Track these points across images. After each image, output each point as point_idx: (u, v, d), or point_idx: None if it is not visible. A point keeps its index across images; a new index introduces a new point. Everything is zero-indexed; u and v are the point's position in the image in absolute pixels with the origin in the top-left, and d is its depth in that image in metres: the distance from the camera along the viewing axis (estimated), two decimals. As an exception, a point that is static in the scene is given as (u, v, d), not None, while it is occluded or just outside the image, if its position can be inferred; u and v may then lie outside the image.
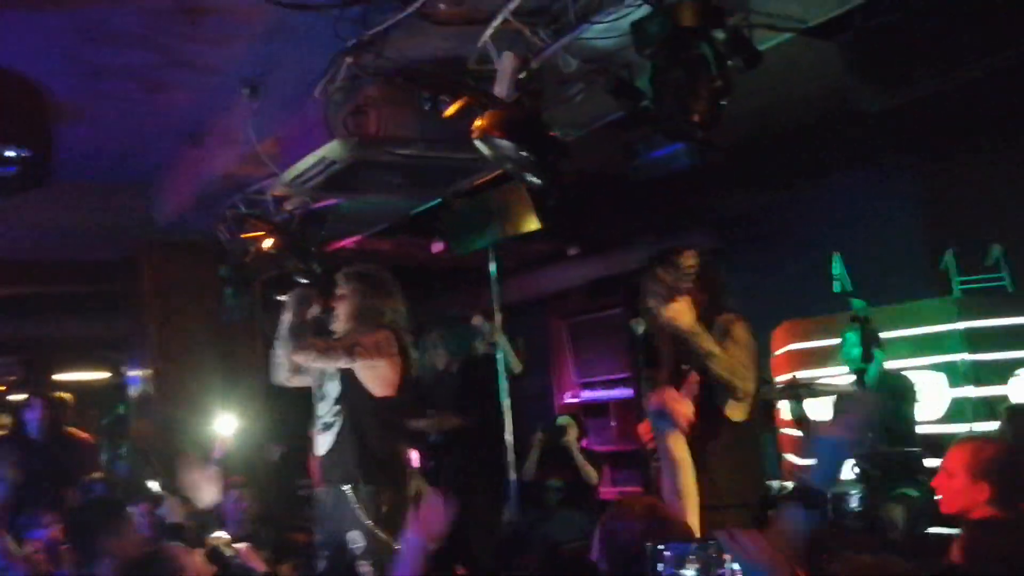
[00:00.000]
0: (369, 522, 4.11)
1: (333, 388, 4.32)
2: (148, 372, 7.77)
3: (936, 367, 5.92)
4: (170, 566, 3.42)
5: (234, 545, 4.74)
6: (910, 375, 5.69)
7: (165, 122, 6.05)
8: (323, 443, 4.33)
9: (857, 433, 2.55)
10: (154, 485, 5.97)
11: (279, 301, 4.65)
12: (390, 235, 7.81)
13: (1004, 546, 2.66)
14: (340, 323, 4.43)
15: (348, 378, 4.25)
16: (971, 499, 2.96)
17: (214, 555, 4.63)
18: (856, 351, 5.42)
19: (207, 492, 5.34)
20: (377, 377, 4.23)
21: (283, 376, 4.51)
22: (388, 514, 4.11)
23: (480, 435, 6.56)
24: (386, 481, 4.17)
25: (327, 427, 4.32)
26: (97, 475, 7.60)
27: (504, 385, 6.63)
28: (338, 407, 4.28)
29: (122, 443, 10.86)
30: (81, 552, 3.49)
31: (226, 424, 6.60)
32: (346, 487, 4.19)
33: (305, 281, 5.55)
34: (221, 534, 4.83)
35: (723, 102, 3.24)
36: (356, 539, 4.13)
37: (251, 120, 5.09)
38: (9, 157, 3.86)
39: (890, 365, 5.67)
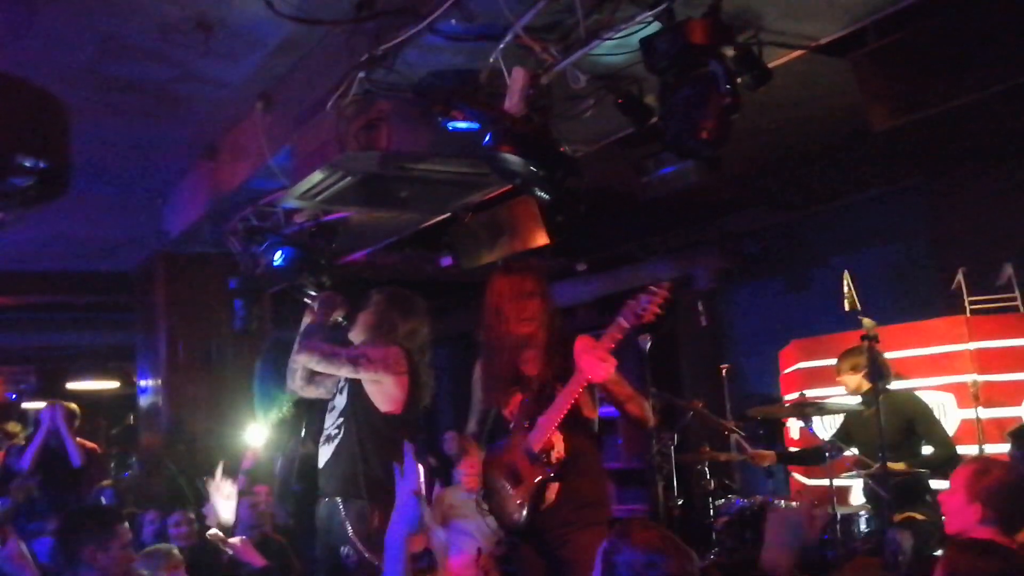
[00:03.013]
0: (356, 537, 4.07)
1: (341, 401, 4.30)
2: (158, 382, 7.80)
3: (945, 387, 5.90)
4: None
5: (230, 540, 4.75)
6: (921, 395, 5.66)
7: (179, 135, 6.11)
8: (323, 455, 4.31)
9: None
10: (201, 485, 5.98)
11: (290, 312, 4.65)
12: (399, 249, 7.84)
13: (982, 568, 2.63)
14: (356, 333, 4.42)
15: (355, 392, 4.23)
16: (965, 519, 2.95)
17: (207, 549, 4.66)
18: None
19: (224, 509, 5.36)
20: (382, 393, 4.19)
21: (297, 384, 4.45)
22: (378, 531, 4.06)
23: None
24: (379, 498, 4.11)
25: (329, 439, 4.28)
26: (106, 482, 7.66)
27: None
28: (342, 419, 4.24)
29: (131, 452, 10.92)
30: (65, 557, 3.46)
31: (256, 435, 6.60)
32: (338, 500, 4.14)
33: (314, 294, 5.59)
34: (215, 531, 4.84)
35: (732, 118, 3.25)
36: (349, 554, 4.10)
37: (264, 133, 5.13)
38: (27, 168, 3.88)
39: (901, 384, 5.65)
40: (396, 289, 4.46)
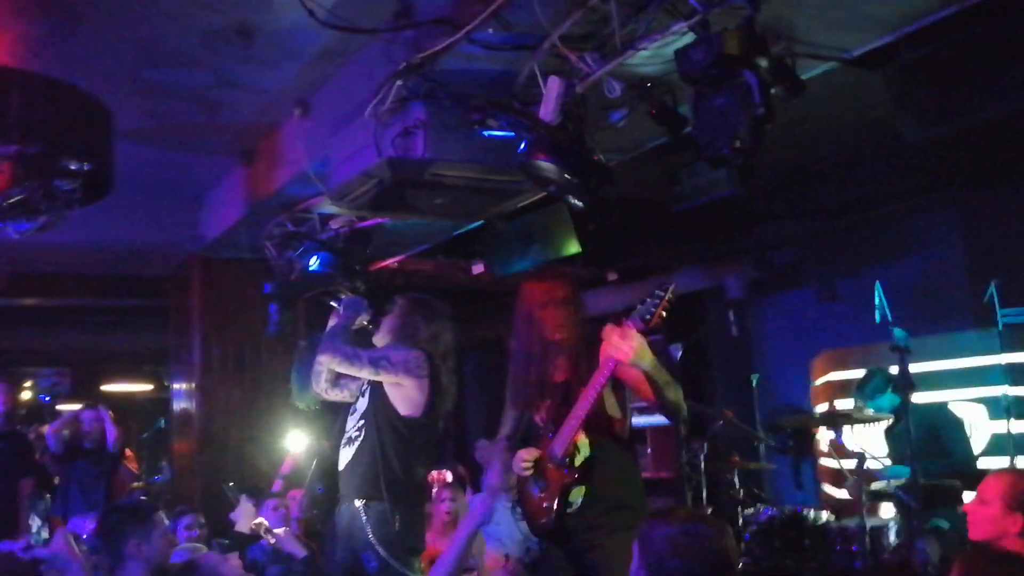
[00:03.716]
0: (375, 541, 4.07)
1: (363, 404, 4.33)
2: (191, 386, 7.89)
3: (977, 400, 5.87)
4: None
5: (274, 530, 4.84)
6: (953, 407, 5.65)
7: (217, 140, 6.21)
8: (344, 457, 4.32)
9: None
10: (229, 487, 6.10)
11: (324, 318, 4.71)
12: (431, 256, 7.89)
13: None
14: (380, 336, 4.46)
15: (376, 394, 4.25)
16: (1002, 529, 2.93)
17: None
18: (885, 400, 5.40)
19: (245, 522, 5.47)
20: (403, 396, 4.20)
21: (321, 386, 4.48)
22: (399, 534, 4.07)
23: None
24: (400, 500, 4.09)
25: (350, 441, 4.29)
26: (137, 485, 7.78)
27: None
28: (363, 422, 4.26)
29: (162, 456, 11.05)
30: (109, 555, 3.55)
31: (296, 441, 6.69)
32: (359, 503, 4.15)
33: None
34: (262, 520, 4.94)
35: (765, 129, 3.27)
36: (370, 559, 4.10)
37: (301, 140, 5.21)
38: (72, 171, 3.99)
39: (932, 397, 5.64)
40: (420, 295, 4.51)
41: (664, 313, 3.37)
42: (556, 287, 3.76)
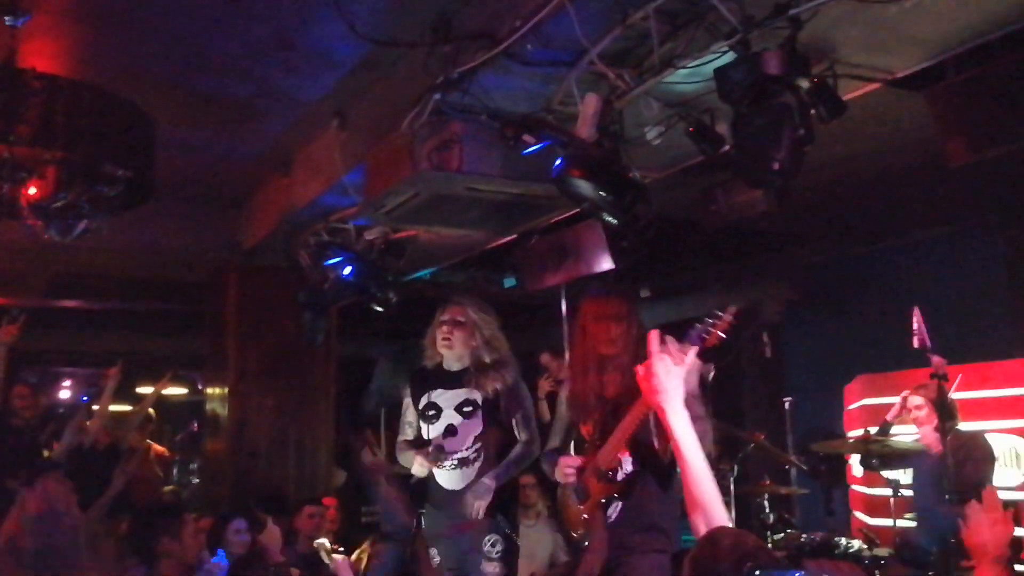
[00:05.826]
0: (483, 556, 4.18)
1: (462, 423, 4.48)
2: (224, 391, 7.93)
3: (1019, 431, 5.75)
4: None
5: (334, 555, 4.89)
6: (989, 437, 5.53)
7: (255, 149, 6.26)
8: (454, 478, 4.49)
9: None
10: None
11: (355, 326, 4.75)
12: (464, 269, 7.89)
13: None
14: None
15: (492, 421, 4.44)
16: None
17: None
18: None
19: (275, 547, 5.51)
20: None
21: None
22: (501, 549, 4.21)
23: None
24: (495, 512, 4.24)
25: (466, 462, 4.47)
26: (168, 488, 7.82)
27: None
28: (479, 444, 4.44)
29: (194, 459, 11.12)
30: (142, 552, 3.60)
31: None
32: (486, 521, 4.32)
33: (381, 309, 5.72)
34: (324, 541, 4.99)
35: (805, 150, 3.24)
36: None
37: (338, 150, 5.24)
38: (116, 177, 4.06)
39: (969, 426, 5.53)
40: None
41: (722, 335, 3.31)
42: (609, 303, 3.78)
